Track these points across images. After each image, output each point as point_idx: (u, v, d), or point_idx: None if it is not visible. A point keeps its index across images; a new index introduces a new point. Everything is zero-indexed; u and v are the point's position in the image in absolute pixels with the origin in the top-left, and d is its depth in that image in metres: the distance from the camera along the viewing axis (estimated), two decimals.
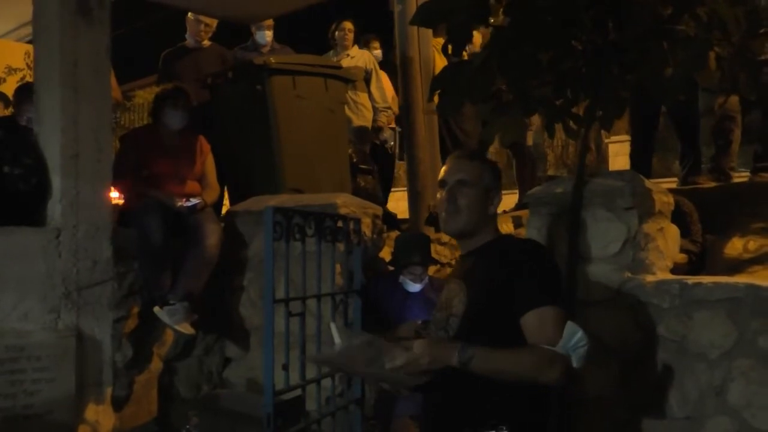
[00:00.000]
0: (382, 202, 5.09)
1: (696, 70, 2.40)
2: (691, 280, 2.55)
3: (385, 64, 5.84)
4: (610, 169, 9.37)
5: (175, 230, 3.70)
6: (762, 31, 2.35)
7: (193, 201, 3.78)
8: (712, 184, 4.50)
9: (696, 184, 4.53)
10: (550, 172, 11.16)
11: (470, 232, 2.14)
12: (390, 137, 5.61)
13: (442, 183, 2.16)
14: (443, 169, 2.19)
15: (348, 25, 5.81)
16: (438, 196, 2.19)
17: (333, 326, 1.93)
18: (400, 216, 5.15)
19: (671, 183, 5.20)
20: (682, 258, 3.39)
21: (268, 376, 2.67)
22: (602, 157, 13.01)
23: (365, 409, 3.15)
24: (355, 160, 4.92)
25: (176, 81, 4.17)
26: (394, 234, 4.13)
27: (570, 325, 1.92)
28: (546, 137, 6.52)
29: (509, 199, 4.85)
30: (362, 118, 5.57)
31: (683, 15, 2.46)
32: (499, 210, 5.96)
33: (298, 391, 2.89)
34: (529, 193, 2.99)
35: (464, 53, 4.08)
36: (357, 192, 4.58)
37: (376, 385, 2.58)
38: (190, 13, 4.93)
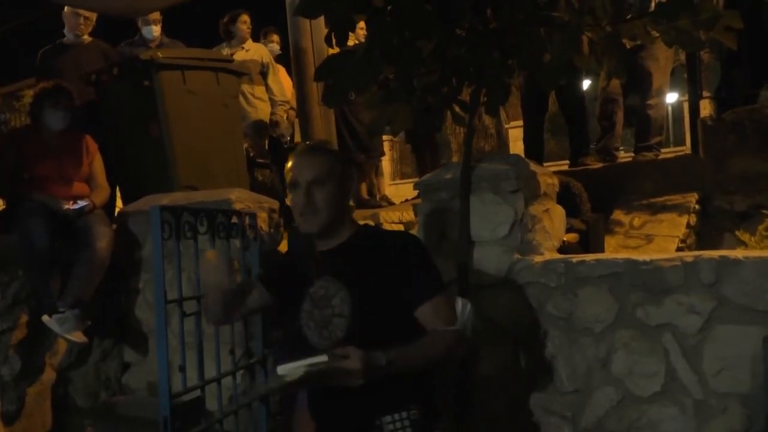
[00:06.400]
0: (282, 195, 5.05)
1: (571, 55, 2.47)
2: (575, 258, 2.64)
3: (285, 58, 5.78)
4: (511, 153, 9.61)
5: (64, 234, 3.57)
6: (628, 17, 2.45)
7: (81, 203, 3.65)
8: (600, 165, 4.69)
9: (585, 165, 4.71)
10: (455, 159, 11.37)
11: (332, 228, 2.09)
12: (287, 131, 5.56)
13: (294, 184, 2.07)
14: (290, 168, 2.10)
15: (245, 17, 5.72)
16: (290, 197, 2.11)
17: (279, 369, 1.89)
18: None
19: (566, 165, 5.40)
20: (573, 237, 3.52)
21: (163, 379, 2.62)
22: (503, 142, 13.37)
23: (270, 406, 3.13)
24: (252, 154, 4.86)
25: (57, 79, 3.99)
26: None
27: (458, 302, 2.10)
28: (448, 124, 6.63)
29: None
30: (260, 112, 5.51)
31: (559, 2, 2.54)
32: (401, 199, 6.03)
33: (198, 392, 2.85)
34: (419, 181, 3.03)
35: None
36: (255, 186, 4.53)
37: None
38: (67, 8, 4.72)
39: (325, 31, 2.50)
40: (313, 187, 2.04)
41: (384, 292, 2.00)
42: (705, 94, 5.03)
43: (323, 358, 1.79)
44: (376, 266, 2.03)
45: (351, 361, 1.77)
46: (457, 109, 2.72)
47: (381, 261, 2.03)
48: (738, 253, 2.38)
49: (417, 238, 2.29)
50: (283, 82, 5.76)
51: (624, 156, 5.28)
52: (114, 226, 3.82)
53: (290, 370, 1.80)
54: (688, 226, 3.99)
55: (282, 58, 6.06)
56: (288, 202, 2.14)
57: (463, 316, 2.05)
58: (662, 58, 4.65)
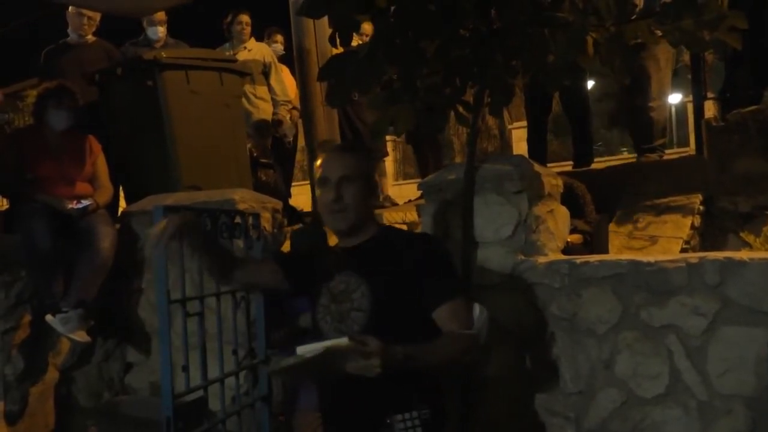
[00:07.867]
0: (286, 195, 5.05)
1: (574, 55, 2.47)
2: (579, 259, 2.63)
3: (288, 58, 5.79)
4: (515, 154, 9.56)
5: (67, 234, 3.57)
6: (633, 17, 2.44)
7: (84, 203, 3.66)
8: (603, 166, 4.68)
9: (588, 166, 4.70)
10: (458, 160, 11.36)
11: (359, 227, 2.14)
12: (290, 131, 5.56)
13: (324, 180, 2.12)
14: (320, 165, 2.16)
15: (245, 18, 5.72)
16: (318, 194, 2.16)
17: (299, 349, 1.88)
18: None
19: (569, 165, 5.38)
20: (577, 238, 3.51)
21: (166, 379, 2.62)
22: (506, 142, 13.33)
23: (273, 406, 3.12)
24: (255, 154, 4.86)
25: (59, 78, 4.00)
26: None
27: (476, 308, 2.15)
28: (451, 125, 6.61)
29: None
30: (262, 111, 5.51)
31: (563, 2, 2.54)
32: (405, 199, 6.02)
33: (200, 392, 2.84)
34: (422, 181, 3.02)
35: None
36: (259, 187, 4.53)
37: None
38: (71, 7, 4.73)
39: (329, 31, 2.49)
40: (344, 183, 2.09)
41: (403, 291, 2.02)
42: (709, 95, 5.01)
43: (344, 339, 1.80)
44: (397, 265, 2.06)
45: (370, 347, 1.77)
46: (460, 109, 2.72)
47: (402, 260, 2.06)
48: (743, 255, 2.36)
49: (439, 240, 2.33)
50: (285, 81, 5.76)
51: (628, 157, 5.26)
52: (117, 226, 3.83)
53: (310, 349, 1.80)
54: (693, 227, 3.97)
55: (286, 59, 6.06)
56: (318, 199, 2.20)
57: (479, 322, 2.08)
58: (662, 59, 4.63)
